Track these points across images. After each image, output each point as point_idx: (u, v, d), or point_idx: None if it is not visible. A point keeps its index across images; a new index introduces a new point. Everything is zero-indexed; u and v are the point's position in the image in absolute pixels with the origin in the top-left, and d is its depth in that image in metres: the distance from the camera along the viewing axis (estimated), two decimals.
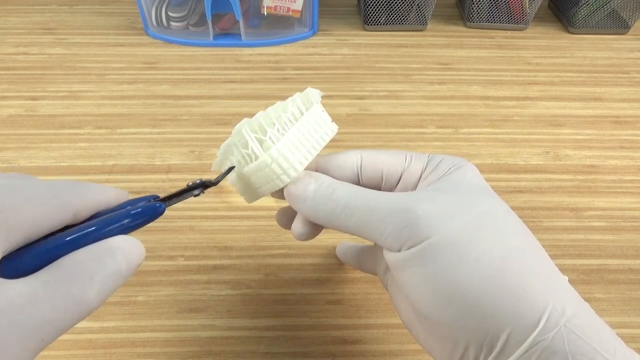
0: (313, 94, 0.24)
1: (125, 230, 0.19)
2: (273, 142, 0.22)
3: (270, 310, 0.33)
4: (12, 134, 0.45)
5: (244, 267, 0.35)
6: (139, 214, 0.19)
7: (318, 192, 0.22)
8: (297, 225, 0.24)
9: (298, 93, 0.24)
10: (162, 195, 0.21)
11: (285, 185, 0.23)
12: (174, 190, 0.21)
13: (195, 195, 0.22)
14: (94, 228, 0.18)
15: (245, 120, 0.23)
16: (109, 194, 0.20)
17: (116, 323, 0.32)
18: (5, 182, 0.17)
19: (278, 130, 0.22)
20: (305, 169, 0.23)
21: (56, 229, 0.18)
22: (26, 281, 0.16)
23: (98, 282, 0.17)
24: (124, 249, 0.18)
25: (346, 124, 0.47)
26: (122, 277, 0.18)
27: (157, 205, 0.20)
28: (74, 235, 0.17)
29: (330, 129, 0.24)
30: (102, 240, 0.18)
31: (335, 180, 0.23)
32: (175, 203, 0.21)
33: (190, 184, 0.22)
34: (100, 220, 0.18)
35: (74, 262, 0.17)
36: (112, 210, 0.20)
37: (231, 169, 0.23)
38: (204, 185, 0.22)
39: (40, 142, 0.44)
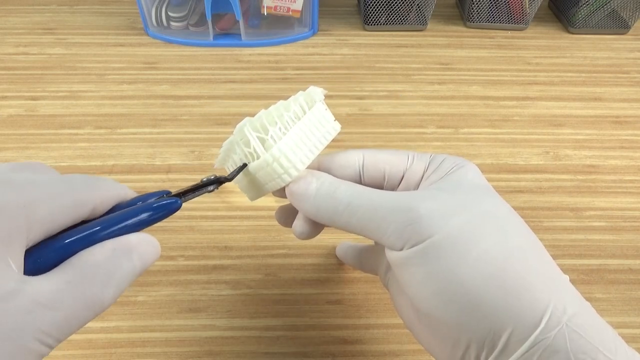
0: (316, 92, 0.24)
1: (143, 224, 0.19)
2: (275, 140, 0.22)
3: (270, 310, 0.33)
4: (12, 134, 0.45)
5: (244, 267, 0.35)
6: (157, 208, 0.19)
7: (320, 191, 0.22)
8: (298, 223, 0.24)
9: (301, 92, 0.24)
10: (173, 191, 0.21)
11: (287, 184, 0.23)
12: (188, 186, 0.21)
13: (210, 191, 0.22)
14: (111, 223, 0.18)
15: (247, 118, 0.23)
16: (124, 190, 0.20)
17: (116, 323, 0.32)
18: (24, 175, 0.18)
19: (280, 129, 0.22)
20: (307, 168, 0.23)
21: (74, 223, 0.18)
22: (48, 280, 0.16)
23: (114, 284, 0.17)
24: (140, 250, 0.18)
25: (346, 124, 0.47)
26: (136, 276, 0.18)
27: (174, 200, 0.20)
28: (92, 230, 0.17)
29: (333, 127, 0.24)
30: (121, 238, 0.18)
31: (337, 178, 0.23)
32: (190, 199, 0.21)
33: (205, 179, 0.22)
34: (117, 216, 0.18)
35: (94, 262, 0.17)
36: (128, 205, 0.20)
37: (244, 165, 0.23)
38: (218, 181, 0.22)
39: (40, 142, 0.44)
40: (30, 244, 0.16)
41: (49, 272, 0.16)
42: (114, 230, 0.18)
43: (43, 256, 0.16)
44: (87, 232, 0.17)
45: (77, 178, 0.19)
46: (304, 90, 0.24)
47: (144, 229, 0.19)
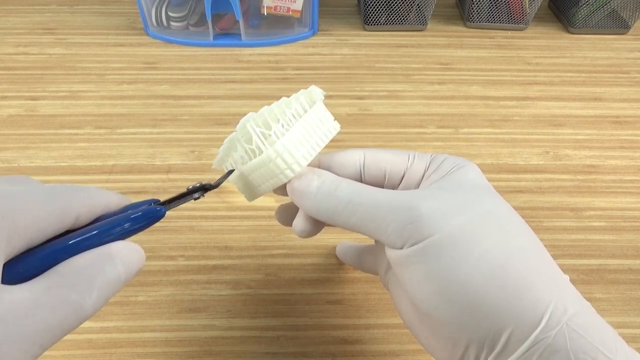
0: (316, 92, 0.24)
1: (126, 234, 0.19)
2: (278, 137, 0.22)
3: (270, 310, 0.33)
4: (12, 134, 0.45)
5: (244, 267, 0.35)
6: (139, 217, 0.19)
7: (321, 188, 0.22)
8: (299, 221, 0.24)
9: (302, 90, 0.24)
10: (162, 198, 0.21)
11: (289, 181, 0.23)
12: (174, 194, 0.21)
13: (195, 199, 0.22)
14: (94, 232, 0.18)
15: (250, 114, 0.23)
16: (110, 198, 0.20)
17: (116, 323, 0.32)
18: (6, 187, 0.17)
19: (282, 126, 0.22)
20: (308, 166, 0.23)
21: (58, 233, 0.18)
22: (27, 287, 0.16)
23: (97, 290, 0.17)
24: (123, 256, 0.18)
25: (346, 124, 0.47)
26: (121, 284, 0.18)
27: (157, 208, 0.20)
28: (75, 240, 0.17)
29: (333, 127, 0.24)
30: (102, 246, 0.18)
31: (339, 177, 0.23)
32: (175, 206, 0.21)
33: (190, 187, 0.22)
34: (101, 225, 0.18)
35: (74, 268, 0.17)
36: (114, 214, 0.20)
37: (231, 171, 0.23)
38: (203, 189, 0.22)
39: (40, 142, 0.44)
40: (13, 254, 0.16)
41: (29, 281, 0.16)
42: (97, 239, 0.18)
43: (26, 266, 0.16)
44: (69, 241, 0.17)
45: (59, 188, 0.19)
46: (304, 89, 0.24)
47: (130, 238, 0.19)
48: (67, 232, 0.18)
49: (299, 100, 0.24)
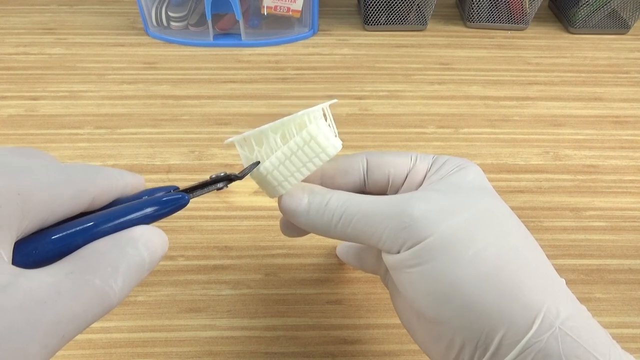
0: (314, 111, 0.23)
1: (147, 219, 0.18)
2: (267, 157, 0.22)
3: (270, 310, 0.33)
4: (12, 134, 0.45)
5: (244, 267, 0.35)
6: (163, 203, 0.18)
7: (312, 205, 0.22)
8: (283, 228, 0.26)
9: (295, 114, 0.23)
10: (181, 187, 0.20)
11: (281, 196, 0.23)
12: (196, 182, 0.20)
13: (219, 189, 0.21)
14: (115, 216, 0.17)
15: (236, 136, 0.23)
16: (127, 180, 0.19)
17: (116, 323, 0.32)
18: (22, 161, 0.16)
19: (275, 142, 0.22)
20: (308, 179, 0.23)
21: (72, 215, 0.17)
22: (47, 272, 0.14)
23: (122, 274, 0.16)
24: (145, 239, 0.17)
25: (346, 124, 0.47)
26: (145, 269, 0.17)
27: (180, 196, 0.19)
28: (94, 223, 0.16)
29: (325, 150, 0.23)
30: (124, 230, 0.17)
31: (329, 189, 0.23)
32: (198, 195, 0.20)
33: (214, 176, 0.21)
34: (122, 208, 0.17)
35: (96, 252, 0.16)
36: (130, 198, 0.19)
37: (256, 164, 0.23)
38: (228, 179, 0.21)
39: (40, 142, 0.44)
40: (25, 232, 0.15)
41: (50, 265, 0.15)
42: (117, 223, 0.17)
43: (41, 247, 0.15)
44: (88, 224, 0.16)
45: (76, 167, 0.17)
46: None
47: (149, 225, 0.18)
48: (80, 215, 0.17)
49: (295, 120, 0.23)
